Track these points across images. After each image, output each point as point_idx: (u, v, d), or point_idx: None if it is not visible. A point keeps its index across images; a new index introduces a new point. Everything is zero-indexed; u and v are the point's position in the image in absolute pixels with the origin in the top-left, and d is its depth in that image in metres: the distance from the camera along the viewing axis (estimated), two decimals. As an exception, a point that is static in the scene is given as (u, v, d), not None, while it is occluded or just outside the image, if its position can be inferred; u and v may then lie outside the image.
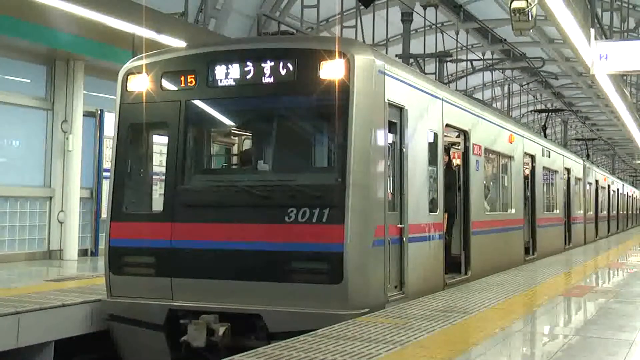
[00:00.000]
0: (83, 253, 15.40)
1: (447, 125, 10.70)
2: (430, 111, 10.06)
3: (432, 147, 10.13)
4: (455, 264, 11.25)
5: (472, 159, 11.75)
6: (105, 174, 15.12)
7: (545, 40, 31.32)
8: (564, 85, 41.55)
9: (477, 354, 6.07)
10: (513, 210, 14.61)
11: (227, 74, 8.41)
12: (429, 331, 6.85)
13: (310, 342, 6.27)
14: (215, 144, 10.32)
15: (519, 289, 10.24)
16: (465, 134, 11.64)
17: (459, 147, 12.02)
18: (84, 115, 15.16)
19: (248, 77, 8.33)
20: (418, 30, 22.10)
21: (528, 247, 16.04)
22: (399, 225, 8.73)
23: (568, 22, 11.44)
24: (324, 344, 6.15)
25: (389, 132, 8.55)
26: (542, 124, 29.20)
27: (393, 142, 8.80)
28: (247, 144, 10.39)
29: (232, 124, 9.97)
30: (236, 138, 10.45)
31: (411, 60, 18.35)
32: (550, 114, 31.85)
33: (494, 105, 31.46)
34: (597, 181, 28.96)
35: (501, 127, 14.11)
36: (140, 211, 9.01)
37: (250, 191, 8.23)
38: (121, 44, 13.26)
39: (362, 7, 17.03)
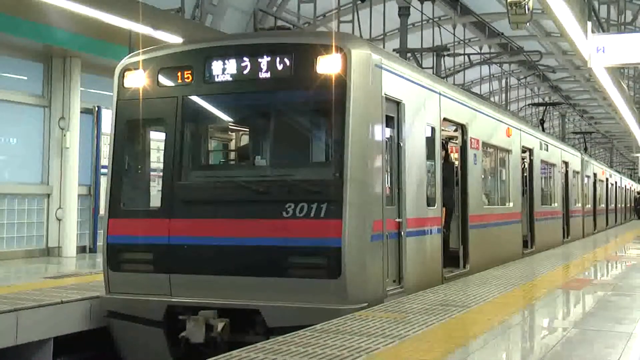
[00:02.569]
0: (81, 250, 15.40)
1: (444, 119, 10.70)
2: (428, 105, 10.05)
3: (430, 141, 10.12)
4: (453, 258, 11.26)
5: (470, 152, 11.75)
6: (102, 170, 15.10)
7: (543, 33, 31.31)
8: (561, 79, 41.54)
9: (475, 348, 6.08)
10: (511, 204, 14.61)
11: (223, 70, 8.40)
12: (428, 325, 6.85)
13: (309, 336, 6.28)
14: (212, 140, 10.30)
15: (518, 283, 10.24)
16: (462, 128, 11.64)
17: (457, 141, 12.02)
18: (81, 112, 15.15)
19: (245, 72, 8.32)
20: (415, 25, 22.05)
21: (526, 241, 16.05)
22: (397, 220, 8.73)
23: (565, 16, 11.43)
24: (323, 339, 6.15)
25: (387, 126, 8.54)
26: (540, 117, 29.19)
27: (390, 136, 8.79)
28: (245, 140, 10.38)
29: (230, 119, 9.97)
30: (233, 134, 10.44)
31: (408, 55, 18.31)
32: (547, 107, 31.84)
33: (492, 99, 31.47)
34: (595, 174, 28.98)
35: (499, 120, 14.11)
36: (138, 208, 9.00)
37: (248, 187, 8.24)
38: (118, 40, 13.25)
39: (359, 1, 17.00)
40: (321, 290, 7.70)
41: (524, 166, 16.39)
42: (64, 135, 14.85)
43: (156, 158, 9.63)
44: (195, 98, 8.75)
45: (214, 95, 8.77)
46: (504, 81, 34.17)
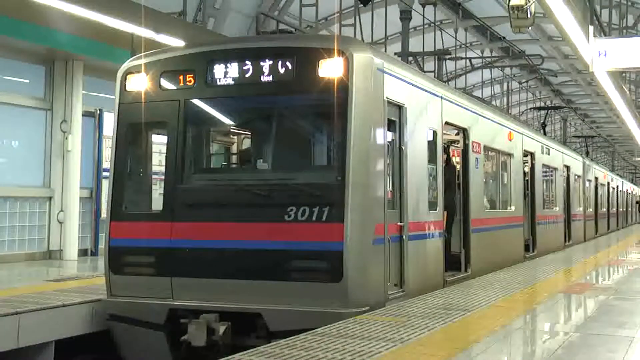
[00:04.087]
0: (83, 253, 15.39)
1: (446, 123, 10.70)
2: (430, 109, 10.05)
3: (432, 145, 10.13)
4: (455, 262, 11.25)
5: (472, 156, 11.75)
6: (104, 173, 15.11)
7: (544, 37, 31.31)
8: (563, 83, 41.53)
9: (477, 352, 6.07)
10: (513, 208, 14.61)
11: (225, 73, 8.40)
12: (430, 329, 6.85)
13: (310, 340, 6.27)
14: (214, 143, 10.31)
15: (519, 287, 10.24)
16: (464, 132, 11.64)
17: (459, 145, 12.02)
18: (83, 115, 15.16)
19: (247, 76, 8.33)
20: (417, 29, 22.08)
21: (528, 245, 16.04)
22: (399, 223, 8.72)
23: (567, 20, 11.42)
24: (324, 343, 6.15)
25: (388, 130, 8.54)
26: (542, 121, 29.20)
27: (392, 140, 8.79)
28: (247, 143, 10.38)
29: (231, 123, 9.97)
30: (235, 137, 10.44)
31: (410, 59, 18.32)
32: (549, 111, 31.83)
33: (493, 103, 31.46)
34: (596, 178, 28.96)
35: (500, 124, 14.11)
36: (139, 211, 9.00)
37: (250, 190, 8.23)
38: (120, 43, 13.25)
39: (361, 5, 17.01)
40: (323, 294, 7.70)
41: (526, 170, 16.38)
42: (66, 138, 14.86)
43: (158, 161, 9.64)
44: (197, 101, 8.76)
45: (216, 98, 8.78)
46: (505, 85, 34.18)
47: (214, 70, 8.45)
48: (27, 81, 14.72)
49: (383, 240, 8.15)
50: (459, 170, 11.93)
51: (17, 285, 10.37)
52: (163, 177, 8.79)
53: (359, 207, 7.78)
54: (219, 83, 8.45)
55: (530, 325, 7.75)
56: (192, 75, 8.58)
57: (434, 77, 17.30)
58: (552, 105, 37.09)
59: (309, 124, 9.38)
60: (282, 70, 8.17)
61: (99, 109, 15.71)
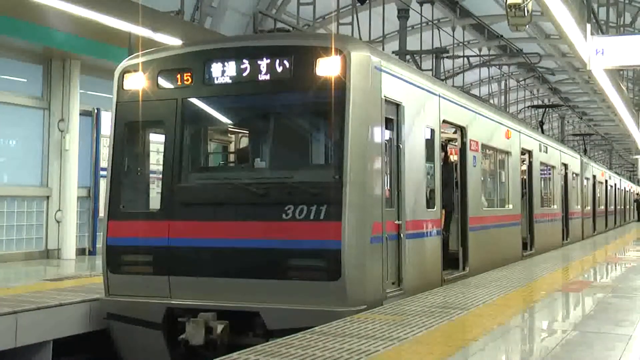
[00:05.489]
0: (81, 252, 15.41)
1: (444, 121, 10.70)
2: (427, 107, 10.06)
3: (429, 143, 10.12)
4: (453, 260, 11.26)
5: (469, 155, 11.75)
6: (102, 172, 15.12)
7: (542, 35, 31.30)
8: (560, 81, 41.51)
9: (475, 350, 6.08)
10: (510, 206, 14.61)
11: (223, 72, 8.41)
12: (427, 327, 6.85)
13: (308, 339, 6.27)
14: (212, 142, 10.31)
15: (517, 285, 10.24)
16: (462, 130, 11.63)
17: (456, 143, 12.02)
18: (80, 114, 15.17)
19: (244, 74, 8.33)
20: (414, 27, 22.08)
21: (526, 243, 16.05)
22: (397, 222, 8.72)
23: (564, 18, 11.43)
24: (322, 341, 6.15)
25: (386, 128, 8.54)
26: (539, 119, 29.19)
27: (390, 138, 8.79)
28: (244, 142, 10.38)
29: (229, 121, 9.97)
30: (233, 136, 10.44)
31: (408, 57, 18.31)
32: (547, 109, 31.82)
33: (491, 101, 31.47)
34: (594, 176, 28.97)
35: (498, 123, 14.11)
36: (137, 210, 9.00)
37: (248, 189, 8.23)
38: (117, 42, 13.25)
39: (358, 3, 17.00)
40: (321, 293, 7.70)
41: (523, 168, 16.38)
42: (64, 138, 14.86)
43: (155, 160, 9.64)
44: (194, 100, 8.76)
45: (214, 97, 8.78)
46: (503, 83, 34.18)
47: (211, 69, 8.46)
48: (25, 80, 14.72)
49: (381, 238, 8.15)
50: (456, 168, 11.91)
51: (14, 284, 10.37)
52: (161, 176, 8.79)
53: (357, 205, 7.78)
54: (216, 82, 8.45)
55: (528, 324, 7.76)
56: (189, 74, 8.58)
57: (432, 75, 17.29)
58: (550, 103, 37.06)
59: (306, 123, 9.38)
60: (279, 69, 8.17)
61: (97, 108, 15.72)
